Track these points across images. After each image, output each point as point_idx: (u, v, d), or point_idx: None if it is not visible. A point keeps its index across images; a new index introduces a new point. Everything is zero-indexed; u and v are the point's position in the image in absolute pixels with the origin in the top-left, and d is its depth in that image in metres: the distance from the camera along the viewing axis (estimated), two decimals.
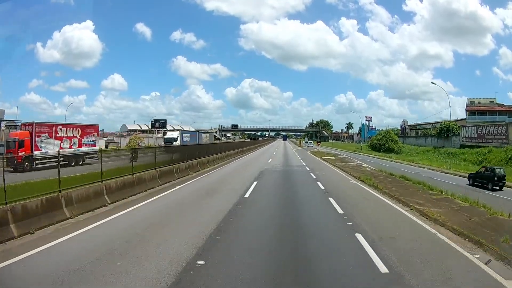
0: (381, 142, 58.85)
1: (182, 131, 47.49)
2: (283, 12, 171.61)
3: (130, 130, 79.86)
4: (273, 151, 46.70)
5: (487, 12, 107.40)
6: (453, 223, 7.43)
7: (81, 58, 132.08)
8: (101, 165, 9.93)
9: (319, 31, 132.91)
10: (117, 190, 9.99)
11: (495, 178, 17.66)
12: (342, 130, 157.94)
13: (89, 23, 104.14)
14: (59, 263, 5.14)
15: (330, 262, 5.43)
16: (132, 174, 11.26)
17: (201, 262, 5.20)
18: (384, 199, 11.40)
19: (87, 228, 7.11)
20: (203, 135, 57.19)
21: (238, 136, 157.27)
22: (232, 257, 5.48)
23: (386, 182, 14.75)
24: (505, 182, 18.01)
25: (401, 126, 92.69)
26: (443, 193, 11.80)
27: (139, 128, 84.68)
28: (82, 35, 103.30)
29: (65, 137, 22.78)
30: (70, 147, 22.98)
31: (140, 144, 42.73)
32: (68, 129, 23.38)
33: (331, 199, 10.94)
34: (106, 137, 55.05)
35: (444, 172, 26.08)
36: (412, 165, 32.43)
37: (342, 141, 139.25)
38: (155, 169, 13.29)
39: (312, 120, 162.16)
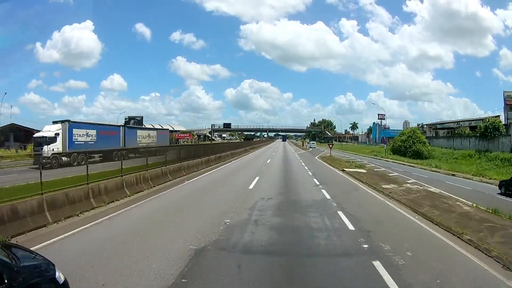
0: (406, 144, 46.66)
1: (73, 124, 23.72)
2: (283, 12, 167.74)
3: None
4: (268, 157, 32.98)
5: (487, 13, 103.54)
6: None
7: (80, 58, 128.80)
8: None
9: (319, 32, 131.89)
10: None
11: None
12: (346, 130, 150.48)
13: (88, 23, 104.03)
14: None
15: None
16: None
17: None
18: None
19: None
20: (140, 132, 32.99)
21: (235, 137, 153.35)
22: None
23: None
24: None
25: (417, 126, 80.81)
26: None
27: None
28: (82, 35, 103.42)
29: None
30: None
31: None
32: None
33: None
34: None
35: None
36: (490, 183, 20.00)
37: (346, 142, 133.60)
38: None
39: (314, 120, 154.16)
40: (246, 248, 6.14)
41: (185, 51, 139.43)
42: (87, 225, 7.39)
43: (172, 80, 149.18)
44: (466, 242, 6.63)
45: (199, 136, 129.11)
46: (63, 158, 21.14)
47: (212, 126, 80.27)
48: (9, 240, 5.85)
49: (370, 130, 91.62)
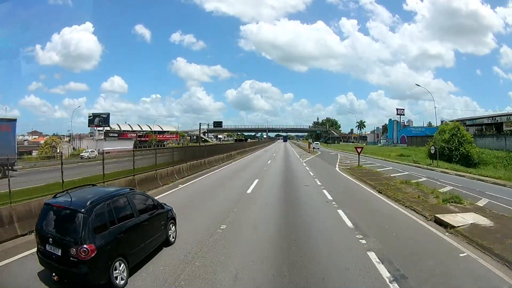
0: (451, 145, 34.36)
1: None
2: (283, 12, 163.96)
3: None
4: (258, 170, 20.39)
5: (488, 11, 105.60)
6: None
7: (80, 60, 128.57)
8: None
9: (320, 32, 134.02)
10: None
11: None
12: (351, 129, 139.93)
13: (88, 25, 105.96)
14: None
15: None
16: None
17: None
18: None
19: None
20: None
21: (232, 138, 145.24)
22: None
23: None
24: None
25: (441, 122, 68.32)
26: None
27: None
28: (82, 37, 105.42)
29: None
30: None
31: None
32: None
33: None
34: None
35: None
36: None
37: (352, 142, 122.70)
38: None
39: (317, 119, 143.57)
40: None
41: (185, 52, 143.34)
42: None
43: (173, 81, 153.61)
44: None
45: (191, 137, 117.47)
46: None
47: (199, 125, 67.95)
48: None
49: (385, 128, 79.05)
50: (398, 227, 7.66)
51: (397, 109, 66.76)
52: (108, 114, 60.28)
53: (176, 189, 13.11)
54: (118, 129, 67.33)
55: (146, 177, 12.76)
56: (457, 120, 67.49)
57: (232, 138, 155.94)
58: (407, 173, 20.75)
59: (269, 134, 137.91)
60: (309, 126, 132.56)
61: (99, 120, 57.56)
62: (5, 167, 14.34)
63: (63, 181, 8.49)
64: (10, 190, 7.14)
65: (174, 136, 79.18)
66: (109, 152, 49.09)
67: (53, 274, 4.34)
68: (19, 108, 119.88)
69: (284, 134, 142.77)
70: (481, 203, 10.81)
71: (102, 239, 4.34)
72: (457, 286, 4.72)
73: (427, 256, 5.75)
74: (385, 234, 7.05)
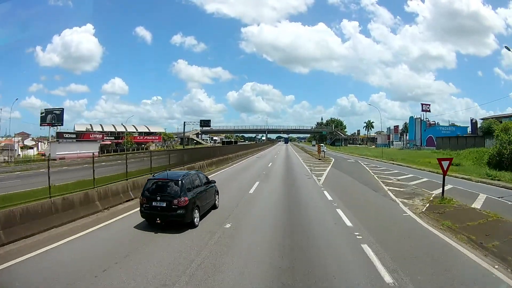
0: None
1: None
2: (284, 14, 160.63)
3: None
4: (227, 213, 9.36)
5: (489, 12, 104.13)
6: None
7: (81, 62, 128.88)
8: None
9: (321, 33, 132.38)
10: None
11: None
12: (358, 130, 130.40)
13: (89, 27, 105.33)
14: None
15: None
16: None
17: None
18: None
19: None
20: None
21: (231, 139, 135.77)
22: None
23: None
24: None
25: (471, 121, 56.80)
26: None
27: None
28: (82, 38, 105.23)
29: None
30: None
31: None
32: None
33: None
34: None
35: None
36: None
37: (359, 144, 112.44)
38: None
39: (322, 119, 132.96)
40: None
41: (186, 54, 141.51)
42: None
43: (174, 83, 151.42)
44: None
45: (182, 139, 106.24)
46: None
47: (184, 124, 56.71)
48: None
49: (405, 128, 67.23)
50: None
51: (422, 104, 54.82)
52: (62, 110, 48.60)
53: None
54: (90, 129, 56.40)
55: None
56: (491, 117, 56.16)
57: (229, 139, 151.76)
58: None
59: (270, 135, 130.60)
60: (312, 127, 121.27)
61: (52, 117, 46.24)
62: None
63: None
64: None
65: (157, 137, 67.72)
66: (63, 158, 38.99)
67: (157, 219, 7.09)
68: (20, 110, 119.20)
69: (286, 135, 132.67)
70: None
71: (190, 195, 7.38)
72: None
73: None
74: None
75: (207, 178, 9.19)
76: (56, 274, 4.84)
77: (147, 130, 74.82)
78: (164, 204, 7.03)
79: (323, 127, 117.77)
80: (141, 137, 65.26)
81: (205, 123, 57.49)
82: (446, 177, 10.56)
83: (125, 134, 57.88)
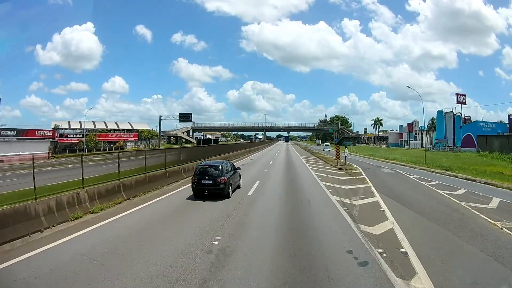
0: None
1: None
2: (285, 12, 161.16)
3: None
4: None
5: (490, 11, 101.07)
6: None
7: (81, 61, 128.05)
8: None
9: (322, 32, 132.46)
10: None
11: None
12: (365, 129, 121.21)
13: (89, 25, 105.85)
14: None
15: None
16: None
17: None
18: None
19: None
20: None
21: (226, 138, 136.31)
22: None
23: None
24: None
25: (509, 117, 45.77)
26: None
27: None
28: (82, 37, 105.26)
29: None
30: None
31: None
32: None
33: None
34: None
35: None
36: None
37: (367, 144, 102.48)
38: None
39: (325, 116, 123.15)
40: None
41: (187, 53, 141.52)
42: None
43: (174, 82, 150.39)
44: None
45: (169, 137, 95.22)
46: None
47: (160, 118, 45.79)
48: None
49: (432, 124, 55.94)
50: None
51: (457, 95, 43.47)
52: None
53: None
54: (67, 126, 45.81)
55: None
56: None
57: (226, 138, 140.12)
58: None
59: (269, 134, 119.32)
60: (315, 125, 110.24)
61: None
62: None
63: None
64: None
65: (132, 135, 56.68)
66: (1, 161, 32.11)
67: (205, 191, 10.36)
68: (20, 109, 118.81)
69: (286, 134, 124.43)
70: None
71: (227, 176, 10.77)
72: None
73: None
74: None
75: (233, 165, 12.85)
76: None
77: (130, 128, 64.18)
78: (211, 181, 10.41)
79: (327, 124, 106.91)
80: (113, 135, 54.39)
81: (184, 117, 46.29)
82: None
83: (88, 132, 46.89)
